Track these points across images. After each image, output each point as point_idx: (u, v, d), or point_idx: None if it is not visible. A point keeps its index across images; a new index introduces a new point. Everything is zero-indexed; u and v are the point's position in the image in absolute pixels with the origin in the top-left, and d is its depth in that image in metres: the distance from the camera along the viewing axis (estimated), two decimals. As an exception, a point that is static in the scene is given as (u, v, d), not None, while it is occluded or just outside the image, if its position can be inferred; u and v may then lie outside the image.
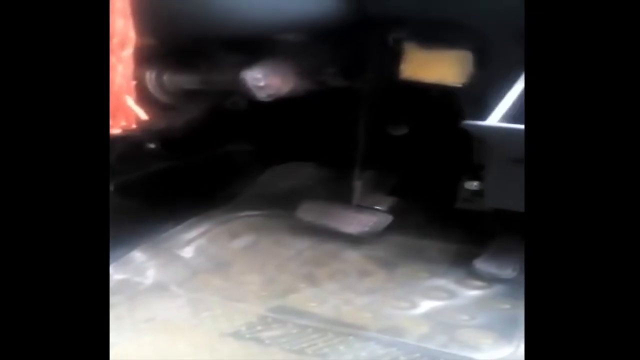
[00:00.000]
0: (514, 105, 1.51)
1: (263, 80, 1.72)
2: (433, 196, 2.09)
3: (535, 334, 0.96)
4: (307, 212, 2.06)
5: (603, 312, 0.95)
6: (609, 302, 0.95)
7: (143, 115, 1.50)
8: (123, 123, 1.52)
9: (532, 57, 1.02)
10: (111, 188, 1.96)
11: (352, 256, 1.95)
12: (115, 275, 1.83)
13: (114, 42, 1.41)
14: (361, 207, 2.06)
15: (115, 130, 1.49)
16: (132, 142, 2.03)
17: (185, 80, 1.86)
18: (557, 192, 0.98)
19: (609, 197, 0.97)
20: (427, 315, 1.65)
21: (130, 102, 1.49)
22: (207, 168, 2.25)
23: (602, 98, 0.98)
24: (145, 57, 1.58)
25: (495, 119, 1.50)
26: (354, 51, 1.88)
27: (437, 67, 1.73)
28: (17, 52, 1.01)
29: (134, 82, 1.48)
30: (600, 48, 0.98)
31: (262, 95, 1.73)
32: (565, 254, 0.97)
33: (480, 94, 1.60)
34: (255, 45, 1.75)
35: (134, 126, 1.53)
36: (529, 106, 1.07)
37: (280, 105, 1.96)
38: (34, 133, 1.01)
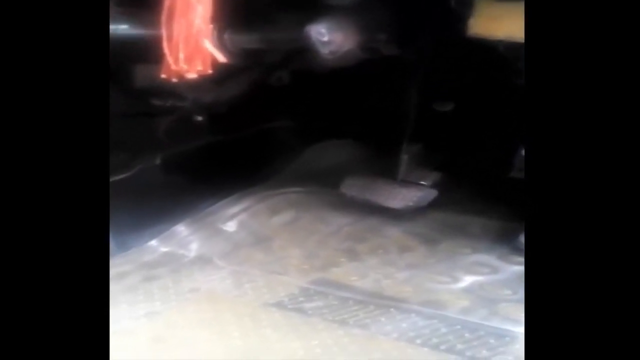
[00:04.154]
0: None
1: (327, 35, 1.73)
2: (481, 170, 2.06)
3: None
4: (351, 187, 2.07)
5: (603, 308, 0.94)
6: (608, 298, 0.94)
7: (221, 57, 1.48)
8: (199, 67, 1.51)
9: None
10: (157, 162, 2.00)
11: (393, 232, 1.95)
12: (160, 247, 1.87)
13: None
14: (405, 182, 2.06)
15: (191, 75, 1.47)
16: (180, 117, 2.05)
17: (246, 39, 1.85)
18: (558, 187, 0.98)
19: (610, 191, 0.95)
20: (469, 290, 1.64)
21: (209, 45, 1.48)
22: (251, 144, 2.26)
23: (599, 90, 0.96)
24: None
25: None
26: (411, 14, 1.85)
27: (509, 21, 1.61)
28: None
29: (212, 25, 1.45)
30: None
31: (325, 51, 1.74)
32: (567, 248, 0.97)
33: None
34: (314, 4, 1.75)
35: (210, 71, 1.51)
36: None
37: (325, 81, 1.96)
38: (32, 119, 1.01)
